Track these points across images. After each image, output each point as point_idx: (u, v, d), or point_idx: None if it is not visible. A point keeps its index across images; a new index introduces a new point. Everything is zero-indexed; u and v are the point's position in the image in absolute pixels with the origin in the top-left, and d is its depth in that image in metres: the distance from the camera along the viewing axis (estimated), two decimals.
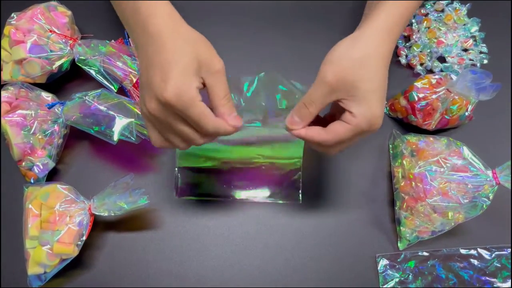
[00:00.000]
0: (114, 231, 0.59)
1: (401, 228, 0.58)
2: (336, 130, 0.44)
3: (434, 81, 0.60)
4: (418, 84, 0.60)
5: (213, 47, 0.45)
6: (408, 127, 0.64)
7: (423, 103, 0.59)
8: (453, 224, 0.56)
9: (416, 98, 0.59)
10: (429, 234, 0.57)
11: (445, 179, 0.54)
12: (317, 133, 0.45)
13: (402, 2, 0.48)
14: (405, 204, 0.57)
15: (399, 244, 0.59)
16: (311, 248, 0.59)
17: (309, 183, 0.62)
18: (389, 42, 0.46)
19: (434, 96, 0.58)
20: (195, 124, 0.43)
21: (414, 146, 0.59)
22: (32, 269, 0.53)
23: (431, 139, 0.59)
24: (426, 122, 0.60)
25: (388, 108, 0.65)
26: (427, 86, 0.59)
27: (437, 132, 0.63)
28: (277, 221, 0.60)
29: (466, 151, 0.56)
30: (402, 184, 0.58)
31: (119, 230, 0.59)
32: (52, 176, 0.61)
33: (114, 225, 0.59)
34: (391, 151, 0.63)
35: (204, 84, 0.44)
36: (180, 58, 0.41)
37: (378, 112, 0.44)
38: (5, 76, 0.62)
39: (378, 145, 0.64)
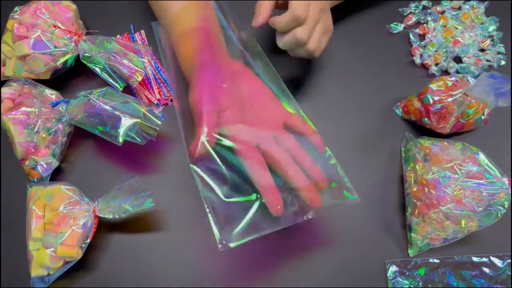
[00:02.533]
0: (119, 232, 0.58)
1: (412, 234, 0.56)
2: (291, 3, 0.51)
3: (450, 84, 0.58)
4: (433, 86, 0.58)
5: None
6: (421, 129, 0.62)
7: (438, 106, 0.57)
8: (466, 232, 0.54)
9: (431, 101, 0.57)
10: (441, 242, 0.56)
11: (459, 186, 0.53)
12: (280, 16, 0.51)
13: None
14: (417, 210, 0.56)
15: (409, 251, 0.57)
16: (319, 252, 0.58)
17: None
18: None
19: (450, 99, 0.56)
20: None
21: (427, 151, 0.57)
22: (36, 271, 0.52)
23: (445, 143, 0.57)
24: (440, 126, 0.59)
25: (401, 109, 0.63)
26: (443, 89, 0.57)
27: (451, 135, 0.61)
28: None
29: (482, 157, 0.54)
30: (414, 190, 0.56)
31: (123, 231, 0.58)
32: (56, 175, 0.60)
33: (119, 226, 0.58)
34: (403, 154, 0.61)
35: None
36: None
37: None
38: (8, 72, 0.60)
39: (390, 148, 0.62)
